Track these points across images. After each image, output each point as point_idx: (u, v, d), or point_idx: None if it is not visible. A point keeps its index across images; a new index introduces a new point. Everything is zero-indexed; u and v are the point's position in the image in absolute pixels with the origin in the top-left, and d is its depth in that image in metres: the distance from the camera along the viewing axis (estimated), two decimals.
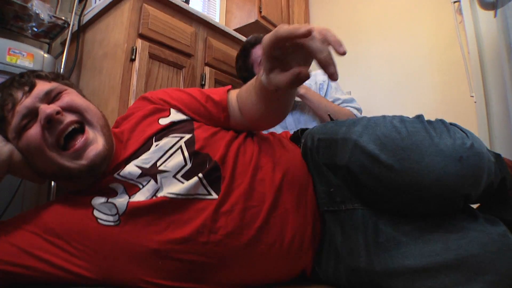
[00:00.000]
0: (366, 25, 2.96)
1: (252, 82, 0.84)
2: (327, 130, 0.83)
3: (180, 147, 0.79)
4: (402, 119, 0.74)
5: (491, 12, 1.75)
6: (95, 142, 0.74)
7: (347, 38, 3.05)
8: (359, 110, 1.72)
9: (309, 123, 1.74)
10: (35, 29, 1.58)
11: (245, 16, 2.73)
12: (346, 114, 1.65)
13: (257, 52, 1.73)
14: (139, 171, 0.75)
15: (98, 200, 0.74)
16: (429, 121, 0.72)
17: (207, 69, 1.84)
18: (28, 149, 0.71)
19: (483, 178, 0.65)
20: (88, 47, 1.79)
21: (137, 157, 0.78)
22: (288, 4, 3.03)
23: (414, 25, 2.71)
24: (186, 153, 0.78)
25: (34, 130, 0.70)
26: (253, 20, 2.67)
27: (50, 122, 0.70)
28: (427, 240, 0.65)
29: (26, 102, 0.72)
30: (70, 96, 0.77)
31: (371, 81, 2.84)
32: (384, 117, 0.77)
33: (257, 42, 1.75)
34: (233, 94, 0.92)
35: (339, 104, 1.71)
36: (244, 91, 0.88)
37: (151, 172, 0.75)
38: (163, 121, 0.85)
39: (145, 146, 0.80)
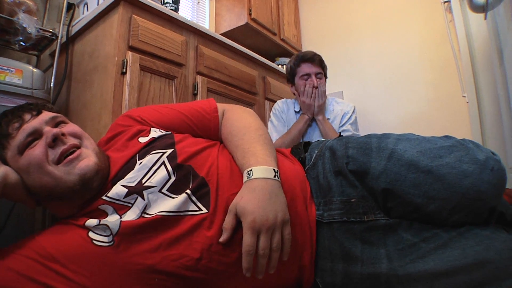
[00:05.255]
0: (357, 24, 2.96)
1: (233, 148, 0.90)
2: (354, 140, 0.87)
3: (163, 162, 0.81)
4: (431, 137, 0.80)
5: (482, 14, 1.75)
6: (87, 157, 0.78)
7: (338, 38, 3.05)
8: None
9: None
10: (23, 43, 1.54)
11: (235, 18, 2.71)
12: None
13: (303, 68, 1.96)
14: (125, 190, 0.77)
15: (91, 223, 0.74)
16: (458, 139, 0.78)
17: (199, 78, 1.83)
18: (28, 165, 0.74)
19: (503, 192, 0.71)
20: (77, 59, 1.76)
21: (123, 177, 0.80)
22: (278, 5, 3.01)
23: (404, 23, 2.72)
24: (169, 167, 0.80)
25: (38, 149, 0.75)
26: (243, 23, 2.66)
27: (55, 140, 0.76)
28: (445, 246, 0.68)
29: (33, 122, 0.78)
30: (72, 126, 0.84)
31: (363, 80, 2.85)
32: (411, 134, 0.83)
33: (309, 60, 1.96)
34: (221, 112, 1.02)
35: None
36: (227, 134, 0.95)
37: (137, 189, 0.77)
38: (144, 139, 0.88)
39: (129, 164, 0.82)
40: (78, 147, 0.80)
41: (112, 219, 0.74)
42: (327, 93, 2.68)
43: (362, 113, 2.35)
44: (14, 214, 1.24)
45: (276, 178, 0.77)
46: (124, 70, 1.47)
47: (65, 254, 0.71)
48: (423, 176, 0.71)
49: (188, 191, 0.77)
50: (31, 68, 1.48)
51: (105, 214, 0.76)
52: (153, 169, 0.80)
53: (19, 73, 1.43)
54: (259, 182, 0.75)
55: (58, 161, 0.75)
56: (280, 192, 0.76)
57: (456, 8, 2.27)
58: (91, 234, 0.73)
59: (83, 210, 0.78)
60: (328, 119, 1.99)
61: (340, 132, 1.91)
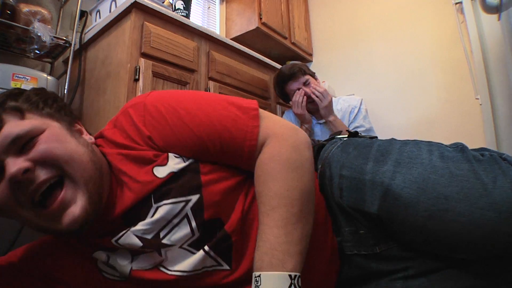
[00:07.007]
0: (368, 27, 2.94)
1: None
2: (350, 163, 0.73)
3: (186, 215, 0.65)
4: (442, 154, 0.65)
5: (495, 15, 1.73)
6: (73, 203, 0.60)
7: (349, 40, 3.04)
8: None
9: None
10: (38, 52, 1.57)
11: (246, 23, 2.72)
12: None
13: (290, 87, 1.99)
14: (140, 243, 0.65)
15: (100, 257, 0.68)
16: (477, 158, 0.62)
17: (211, 84, 1.83)
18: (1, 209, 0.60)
19: None
20: (90, 66, 1.78)
21: (135, 222, 0.65)
22: (288, 9, 3.01)
23: (415, 25, 2.70)
24: (193, 224, 0.65)
25: (1, 189, 0.57)
26: (253, 27, 2.66)
27: (19, 182, 0.57)
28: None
29: None
30: (48, 143, 0.60)
31: (375, 82, 2.83)
32: (419, 147, 0.69)
33: (290, 79, 1.98)
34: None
35: (361, 132, 1.89)
36: None
37: (154, 246, 0.66)
38: (161, 173, 0.67)
39: (143, 206, 0.66)
40: (57, 176, 0.60)
41: (123, 263, 0.67)
42: (337, 95, 2.66)
43: (373, 116, 2.33)
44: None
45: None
46: (137, 77, 1.48)
47: (73, 281, 0.69)
48: (423, 220, 0.59)
49: (206, 247, 0.66)
50: (45, 75, 1.51)
51: (116, 248, 0.67)
52: (173, 223, 0.65)
53: (34, 81, 1.45)
54: None
55: (32, 202, 0.59)
56: None
57: (468, 9, 2.25)
58: (100, 265, 0.69)
59: (90, 238, 0.69)
60: None
61: (349, 129, 1.87)
